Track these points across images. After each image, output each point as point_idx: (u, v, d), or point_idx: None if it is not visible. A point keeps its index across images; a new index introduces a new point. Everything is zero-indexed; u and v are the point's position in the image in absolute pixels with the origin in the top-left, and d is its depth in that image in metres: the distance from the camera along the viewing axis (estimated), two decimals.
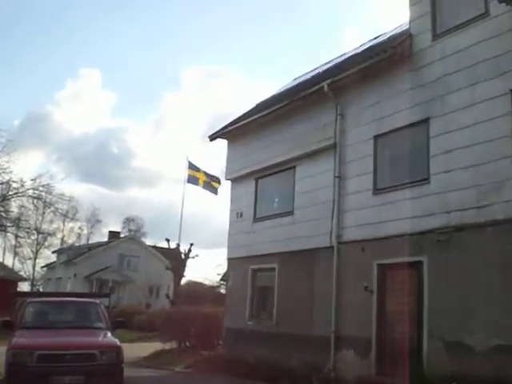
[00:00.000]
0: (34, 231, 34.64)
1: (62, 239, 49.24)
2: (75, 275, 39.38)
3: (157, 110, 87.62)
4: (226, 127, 14.62)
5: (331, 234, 10.75)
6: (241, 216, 13.95)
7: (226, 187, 19.71)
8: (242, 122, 13.84)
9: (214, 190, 19.79)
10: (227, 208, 14.54)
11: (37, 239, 42.30)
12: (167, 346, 15.47)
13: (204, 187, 19.91)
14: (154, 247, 44.67)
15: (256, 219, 13.59)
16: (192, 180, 20.21)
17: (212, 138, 15.00)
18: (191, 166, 20.62)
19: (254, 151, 13.71)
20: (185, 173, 21.08)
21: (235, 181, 14.66)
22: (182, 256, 24.21)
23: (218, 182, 19.65)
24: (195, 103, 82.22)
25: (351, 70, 10.42)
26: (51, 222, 44.15)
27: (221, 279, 26.43)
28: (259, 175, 13.73)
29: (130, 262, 42.75)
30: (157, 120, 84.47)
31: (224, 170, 14.92)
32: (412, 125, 9.26)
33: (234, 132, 14.31)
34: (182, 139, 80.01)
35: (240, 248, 13.68)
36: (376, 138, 10.10)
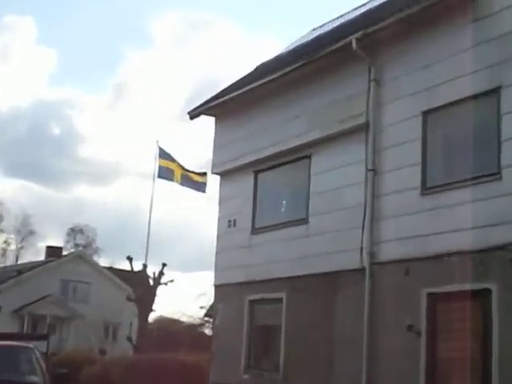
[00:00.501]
0: None
1: None
2: None
3: (116, 75, 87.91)
4: (213, 99, 14.92)
5: (361, 250, 10.95)
6: (234, 225, 14.26)
7: (212, 184, 20.03)
8: (237, 93, 14.10)
9: (199, 186, 20.07)
10: (214, 214, 14.99)
11: None
12: None
13: (182, 183, 20.28)
14: (111, 269, 45.05)
15: (255, 230, 13.88)
16: (164, 174, 20.57)
17: (194, 114, 15.32)
18: (163, 155, 20.95)
19: (253, 133, 13.98)
20: (154, 164, 21.42)
21: (226, 175, 15.02)
22: (151, 282, 24.73)
23: (203, 175, 20.02)
24: (170, 66, 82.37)
25: (390, 18, 10.58)
26: None
27: (205, 314, 27.05)
28: (260, 168, 14.01)
29: (76, 289, 43.00)
30: (116, 90, 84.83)
31: (210, 159, 15.37)
32: (476, 97, 9.40)
33: (225, 106, 14.60)
34: (151, 117, 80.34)
35: (233, 271, 14.01)
36: (425, 114, 10.28)
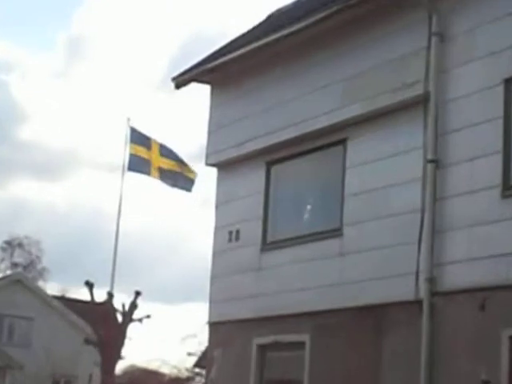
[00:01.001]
0: None
1: None
2: None
3: (69, 26, 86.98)
4: (208, 60, 14.95)
5: (417, 275, 10.98)
6: (236, 238, 14.36)
7: (206, 181, 20.00)
8: (242, 51, 14.14)
9: (184, 183, 20.40)
10: (209, 222, 15.03)
11: None
12: None
13: (163, 179, 20.41)
14: (63, 299, 45.57)
15: (267, 245, 13.95)
16: (137, 165, 20.68)
17: (181, 81, 15.36)
18: (136, 139, 20.99)
19: (266, 109, 14.03)
20: (124, 152, 21.40)
21: (226, 168, 15.05)
22: (119, 317, 24.71)
23: (190, 171, 20.40)
24: (146, 13, 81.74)
25: None
26: None
27: (195, 365, 27.59)
28: (274, 157, 14.08)
29: (13, 327, 43.08)
30: (69, 47, 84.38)
31: (203, 146, 15.49)
32: None
33: (226, 70, 14.69)
34: (119, 86, 79.72)
35: (235, 303, 14.08)
36: (509, 83, 10.34)
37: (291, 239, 13.57)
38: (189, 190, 20.73)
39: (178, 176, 20.65)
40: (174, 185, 20.95)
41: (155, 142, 21.21)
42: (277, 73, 13.83)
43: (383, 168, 11.97)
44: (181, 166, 20.63)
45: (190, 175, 20.44)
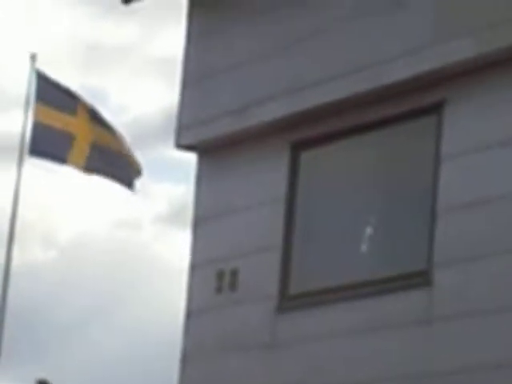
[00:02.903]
0: None
1: None
2: None
3: None
4: None
5: None
6: (231, 286, 11.32)
7: (174, 174, 15.89)
8: None
9: (127, 174, 16.35)
10: (177, 255, 13.11)
11: None
12: None
13: (91, 167, 16.02)
14: None
15: (289, 300, 10.83)
16: (46, 143, 16.24)
17: None
18: (47, 94, 16.52)
19: (288, 46, 11.00)
20: (23, 118, 16.79)
21: (213, 154, 11.97)
22: None
23: (132, 160, 16.42)
24: None
25: None
26: None
27: None
28: (307, 135, 10.91)
29: None
30: None
31: (168, 108, 14.02)
32: None
33: None
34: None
35: None
36: None
37: (334, 290, 10.27)
38: (131, 186, 16.44)
39: (120, 160, 16.36)
40: (113, 174, 16.34)
41: (82, 101, 16.72)
42: None
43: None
44: (121, 147, 16.33)
45: (134, 165, 16.33)
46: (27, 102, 16.08)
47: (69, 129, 15.56)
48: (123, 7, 12.40)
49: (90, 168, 15.75)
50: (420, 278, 9.43)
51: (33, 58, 16.52)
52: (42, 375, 20.33)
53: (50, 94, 15.89)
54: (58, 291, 44.16)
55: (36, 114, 15.79)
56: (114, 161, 15.70)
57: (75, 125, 15.57)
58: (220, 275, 11.09)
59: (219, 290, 11.03)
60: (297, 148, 10.69)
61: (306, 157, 10.72)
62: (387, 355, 9.36)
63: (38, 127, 15.67)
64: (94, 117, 15.89)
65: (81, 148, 15.49)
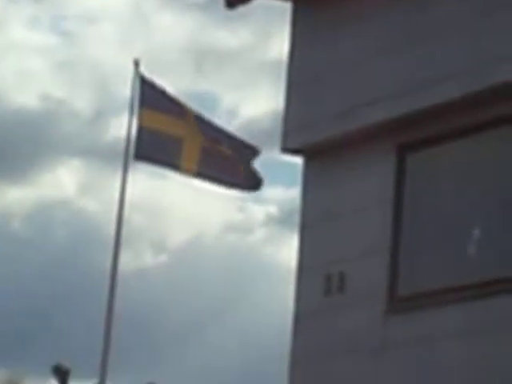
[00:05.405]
0: None
1: None
2: None
3: None
4: None
5: None
6: (340, 289, 11.29)
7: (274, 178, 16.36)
8: None
9: (245, 179, 15.98)
10: (284, 259, 11.98)
11: None
12: None
13: (204, 173, 15.74)
14: None
15: (399, 302, 10.79)
16: (152, 149, 16.14)
17: None
18: (150, 98, 16.54)
19: (398, 47, 10.91)
20: (127, 125, 16.82)
21: (320, 157, 11.82)
22: None
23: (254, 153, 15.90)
24: None
25: None
26: None
27: None
28: (414, 137, 10.90)
29: None
30: None
31: (276, 113, 14.27)
32: None
33: None
34: None
35: None
36: None
37: (443, 292, 10.17)
38: (253, 188, 16.19)
39: (231, 165, 15.96)
40: (232, 183, 16.04)
41: (187, 107, 16.33)
42: None
43: None
44: (231, 152, 15.90)
45: (247, 168, 15.73)
46: (131, 107, 16.34)
47: (177, 132, 15.59)
48: (231, 12, 12.58)
49: (202, 173, 15.78)
50: None
51: (136, 63, 16.76)
52: (151, 379, 21.04)
53: (155, 98, 15.92)
54: (169, 296, 44.26)
55: (140, 119, 15.87)
56: (225, 166, 15.62)
57: (183, 127, 15.57)
58: (328, 278, 11.23)
59: (328, 292, 11.15)
60: (403, 150, 10.76)
61: (412, 159, 10.81)
62: (499, 358, 9.24)
63: (142, 132, 15.73)
64: (202, 121, 15.87)
65: (191, 152, 15.44)
